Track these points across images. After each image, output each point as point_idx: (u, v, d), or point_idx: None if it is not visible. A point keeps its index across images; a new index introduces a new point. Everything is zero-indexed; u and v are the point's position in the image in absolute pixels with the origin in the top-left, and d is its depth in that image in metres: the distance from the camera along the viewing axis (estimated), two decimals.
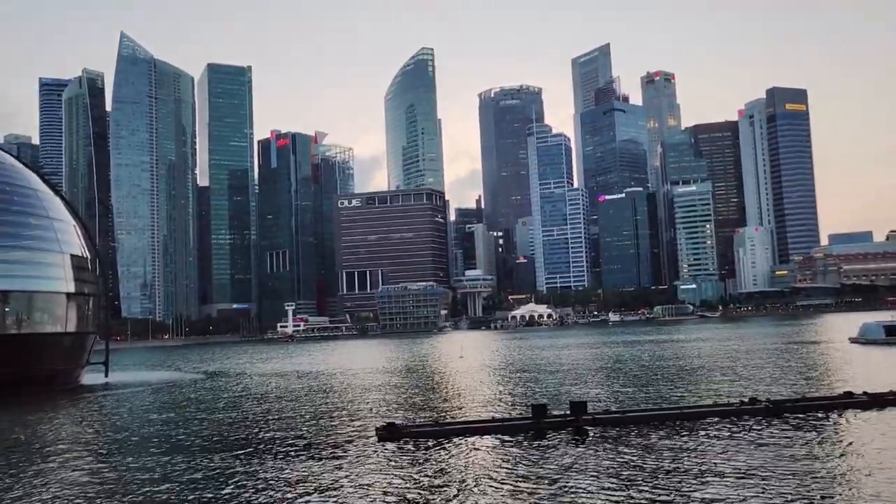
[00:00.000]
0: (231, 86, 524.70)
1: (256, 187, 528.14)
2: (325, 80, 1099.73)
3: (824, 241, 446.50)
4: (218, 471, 27.83)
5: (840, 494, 20.53)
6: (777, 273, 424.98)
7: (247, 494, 23.84)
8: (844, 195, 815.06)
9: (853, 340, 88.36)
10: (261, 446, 33.14)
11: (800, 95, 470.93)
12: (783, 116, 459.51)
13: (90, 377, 77.85)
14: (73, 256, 72.38)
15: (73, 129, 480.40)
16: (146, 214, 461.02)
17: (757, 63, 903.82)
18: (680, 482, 22.65)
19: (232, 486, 25.01)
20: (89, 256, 77.79)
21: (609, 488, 22.36)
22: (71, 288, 70.50)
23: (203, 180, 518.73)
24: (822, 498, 20.22)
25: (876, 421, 31.80)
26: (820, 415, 33.43)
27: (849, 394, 36.49)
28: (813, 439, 28.50)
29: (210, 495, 23.86)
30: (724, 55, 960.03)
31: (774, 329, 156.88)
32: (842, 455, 25.59)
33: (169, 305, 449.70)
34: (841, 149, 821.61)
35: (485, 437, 32.14)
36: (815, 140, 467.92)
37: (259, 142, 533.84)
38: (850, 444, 27.36)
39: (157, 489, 25.01)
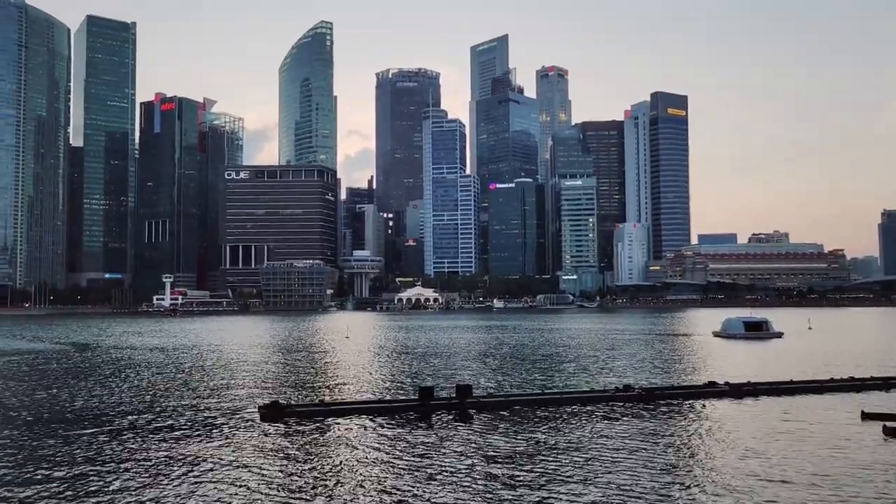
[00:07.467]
0: (112, 42, 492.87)
1: (136, 152, 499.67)
2: (217, 46, 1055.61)
3: (694, 240, 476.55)
4: (90, 449, 26.35)
5: (698, 474, 22.07)
6: (651, 268, 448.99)
7: (120, 473, 22.69)
8: (715, 198, 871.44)
9: (716, 334, 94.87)
10: (136, 423, 31.67)
11: (681, 101, 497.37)
12: (665, 120, 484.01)
13: None
14: None
15: None
16: (9, 172, 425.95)
17: (646, 65, 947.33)
18: (555, 464, 23.66)
19: (104, 465, 23.74)
20: None
21: (490, 469, 23.00)
22: None
23: (77, 140, 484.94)
24: (684, 476, 21.68)
25: (734, 409, 34.50)
26: (686, 402, 35.79)
27: (712, 383, 39.34)
28: (679, 425, 30.54)
29: (82, 474, 22.55)
30: (617, 55, 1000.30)
31: (646, 321, 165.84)
32: (703, 438, 27.59)
33: (32, 272, 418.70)
34: (715, 155, 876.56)
35: (371, 418, 32.19)
36: (692, 145, 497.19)
37: (142, 104, 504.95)
38: (711, 429, 29.57)
39: (23, 468, 23.38)
